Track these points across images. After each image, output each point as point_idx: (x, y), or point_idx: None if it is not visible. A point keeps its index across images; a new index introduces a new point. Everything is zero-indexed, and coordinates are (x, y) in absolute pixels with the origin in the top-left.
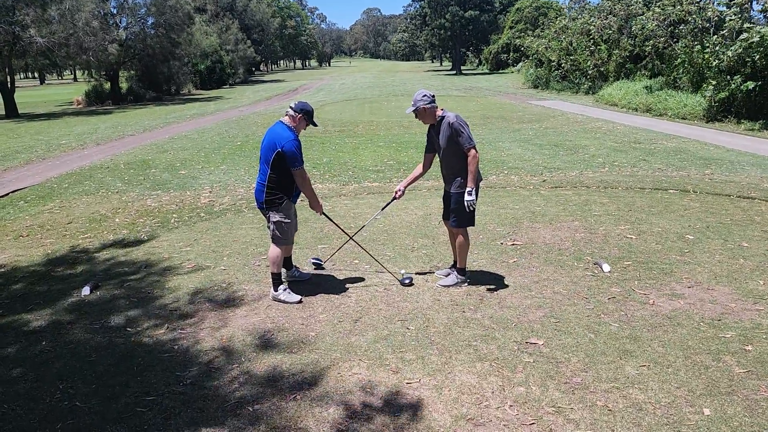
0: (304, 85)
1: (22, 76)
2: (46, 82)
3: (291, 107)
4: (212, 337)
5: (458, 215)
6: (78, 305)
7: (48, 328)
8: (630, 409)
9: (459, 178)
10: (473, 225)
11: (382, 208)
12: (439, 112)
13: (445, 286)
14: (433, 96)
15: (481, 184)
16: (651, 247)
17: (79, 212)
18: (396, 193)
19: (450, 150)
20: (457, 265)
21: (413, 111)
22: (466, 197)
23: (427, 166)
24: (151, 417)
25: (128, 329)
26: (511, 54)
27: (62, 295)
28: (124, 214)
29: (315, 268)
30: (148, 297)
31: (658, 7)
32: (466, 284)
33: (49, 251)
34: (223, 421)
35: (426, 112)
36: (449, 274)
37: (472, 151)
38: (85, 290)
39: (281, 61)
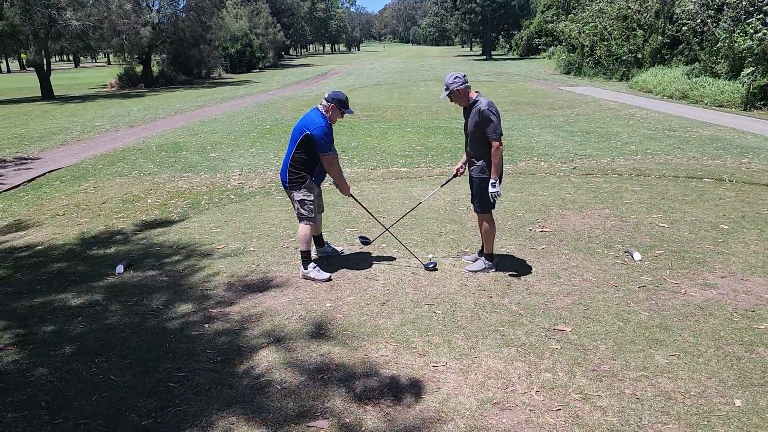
0: (333, 70)
1: (57, 59)
2: (81, 65)
3: (325, 96)
4: (241, 316)
5: (480, 200)
6: (112, 283)
7: (83, 305)
8: (659, 397)
9: (482, 162)
10: (493, 208)
11: (442, 185)
12: (473, 94)
13: (471, 271)
14: (465, 76)
15: (505, 170)
16: (684, 237)
17: (113, 193)
18: (458, 171)
19: (476, 134)
20: (484, 251)
21: (447, 95)
22: (491, 189)
23: None
24: (183, 392)
25: (160, 307)
26: (543, 39)
27: (97, 273)
28: (156, 195)
29: (363, 245)
30: (179, 276)
31: None
32: (493, 270)
33: (84, 230)
34: (251, 398)
35: (460, 94)
36: (476, 260)
37: (496, 143)
38: (119, 269)
39: (310, 46)
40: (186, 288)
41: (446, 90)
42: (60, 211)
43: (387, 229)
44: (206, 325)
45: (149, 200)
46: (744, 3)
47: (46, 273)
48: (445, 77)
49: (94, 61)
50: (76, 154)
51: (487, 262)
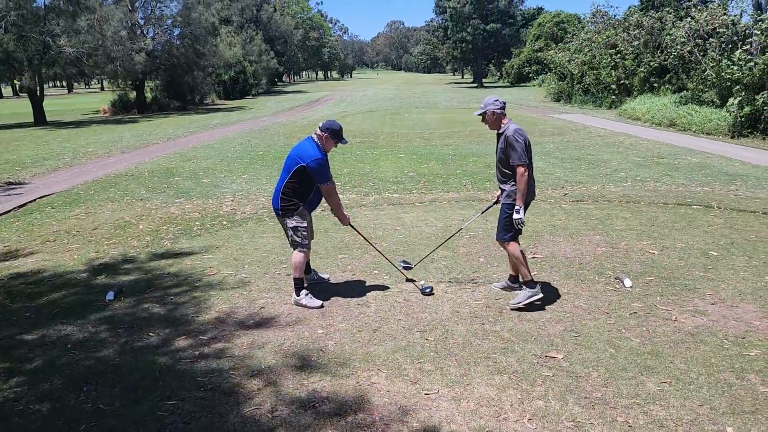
0: (326, 96)
1: (50, 84)
2: (74, 90)
3: (318, 126)
4: (232, 344)
5: (504, 226)
6: (102, 310)
7: (72, 331)
8: (651, 425)
9: (508, 187)
10: (516, 238)
11: (482, 212)
12: (504, 121)
13: (516, 303)
14: (504, 104)
15: (497, 197)
16: (674, 263)
17: (104, 218)
18: (498, 197)
19: (503, 160)
20: (520, 279)
21: (481, 114)
22: (515, 215)
23: None
24: (172, 420)
25: (150, 334)
26: (533, 67)
27: (87, 300)
28: (147, 221)
29: (405, 270)
30: (170, 303)
31: (690, 18)
32: (540, 295)
33: (76, 256)
34: (242, 427)
35: (494, 117)
36: (511, 288)
37: (521, 169)
38: (109, 295)
39: (303, 72)
40: (177, 315)
41: (483, 108)
42: (51, 237)
43: (427, 255)
44: (197, 353)
45: (141, 226)
46: (730, 32)
47: (36, 300)
48: (485, 98)
49: (87, 87)
50: (68, 179)
51: (530, 289)
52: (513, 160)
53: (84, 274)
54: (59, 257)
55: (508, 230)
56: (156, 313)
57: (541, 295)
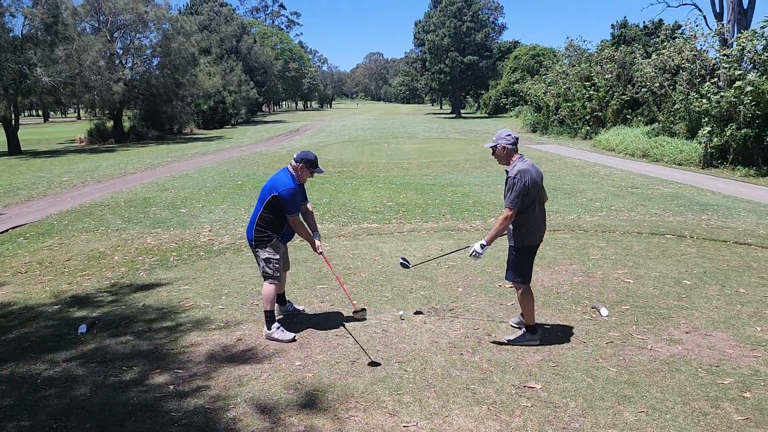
0: (306, 126)
1: (26, 113)
2: (50, 119)
3: (294, 157)
4: (208, 377)
5: (512, 268)
6: (74, 344)
7: (42, 366)
8: None
9: (513, 228)
10: (525, 282)
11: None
12: (514, 158)
13: (509, 340)
14: (517, 139)
15: (474, 226)
16: (648, 292)
17: (78, 249)
18: None
19: (504, 194)
20: (526, 323)
21: (492, 147)
22: (476, 247)
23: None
24: None
25: (123, 368)
26: (510, 99)
27: (58, 334)
28: (123, 252)
29: (403, 267)
30: (144, 337)
31: (657, 54)
32: (536, 343)
33: (47, 288)
34: None
35: (504, 152)
36: (519, 327)
37: (506, 211)
38: (82, 328)
39: (283, 102)
40: (152, 348)
41: (494, 141)
42: (22, 269)
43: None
44: (171, 386)
45: (116, 257)
46: (697, 66)
47: (5, 335)
48: (498, 131)
49: (64, 116)
50: (42, 209)
51: (528, 334)
52: (505, 201)
53: (56, 307)
54: (30, 289)
55: (517, 273)
56: (130, 347)
57: (538, 343)
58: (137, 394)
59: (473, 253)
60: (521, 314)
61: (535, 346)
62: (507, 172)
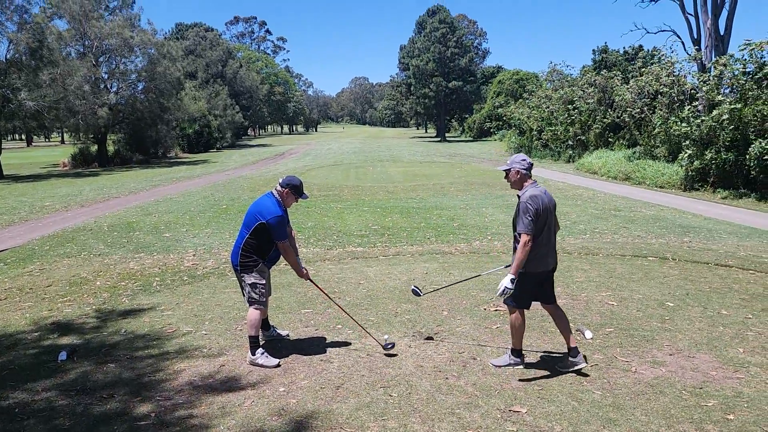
0: (291, 150)
1: (8, 138)
2: (33, 144)
3: (279, 182)
4: (190, 404)
5: (512, 294)
6: (54, 372)
7: (21, 395)
8: None
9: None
10: (526, 307)
11: (506, 266)
12: (527, 183)
13: (495, 365)
14: (531, 165)
15: (459, 249)
16: (632, 314)
17: (59, 275)
18: None
19: (515, 225)
20: (512, 346)
21: (506, 170)
22: (505, 282)
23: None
24: None
25: (104, 396)
26: (494, 123)
27: (38, 362)
28: (105, 277)
29: (414, 295)
30: (126, 364)
31: (635, 80)
32: (520, 366)
33: (27, 315)
34: None
35: (517, 176)
36: (572, 363)
37: (524, 237)
38: (62, 356)
39: (269, 126)
40: (132, 375)
41: (508, 165)
42: (2, 295)
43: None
44: (153, 415)
45: (98, 282)
46: (675, 92)
47: None
48: (513, 155)
49: (47, 140)
50: (23, 234)
51: (513, 357)
52: (518, 227)
53: (35, 334)
54: (10, 316)
55: (513, 296)
56: (111, 375)
57: (521, 367)
58: (119, 425)
59: (504, 290)
60: (568, 351)
61: (518, 368)
62: (519, 197)
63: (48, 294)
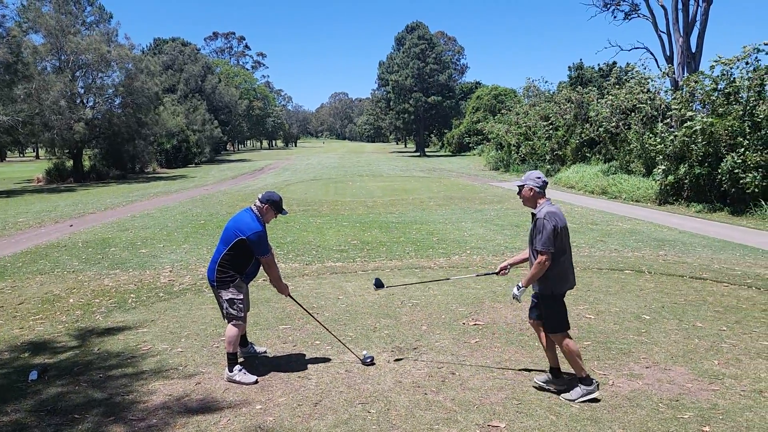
0: (270, 165)
1: None
2: (7, 159)
3: (258, 197)
4: (165, 423)
5: (548, 319)
6: (24, 392)
7: None
8: None
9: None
10: (567, 328)
11: (477, 275)
12: (541, 201)
13: (569, 400)
14: (546, 183)
15: (438, 264)
16: (609, 327)
17: (31, 292)
18: (501, 271)
19: (531, 241)
20: (577, 375)
21: (519, 186)
22: (514, 290)
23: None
24: None
25: (76, 416)
26: (473, 138)
27: (7, 382)
28: (79, 295)
29: (376, 287)
30: (99, 383)
31: (611, 95)
32: (596, 393)
33: None
34: None
35: (531, 194)
36: (554, 384)
37: (542, 257)
38: (32, 375)
39: (248, 141)
40: (105, 395)
41: (523, 181)
42: None
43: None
44: None
45: (71, 300)
46: (649, 107)
47: None
48: (528, 172)
49: (21, 155)
50: None
51: (585, 387)
52: (537, 244)
53: (6, 354)
54: None
55: (554, 322)
56: (83, 395)
57: (596, 394)
58: None
59: (514, 295)
60: (550, 369)
61: (594, 394)
62: (534, 215)
63: (19, 312)
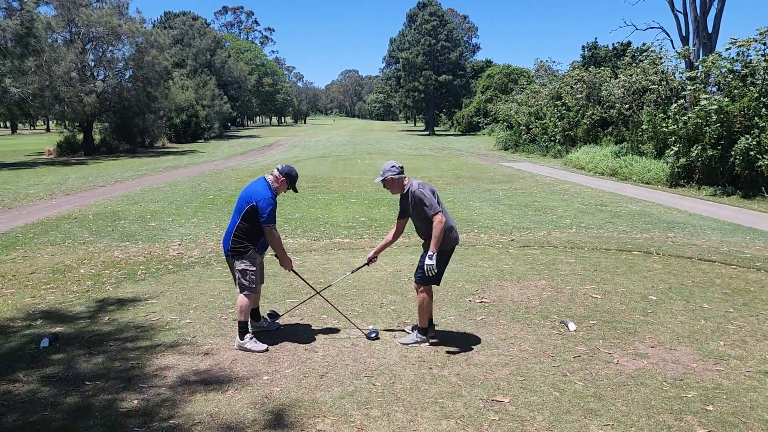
0: (279, 142)
1: None
2: (18, 131)
3: (277, 168)
4: (174, 392)
5: (420, 271)
6: (35, 359)
7: (2, 381)
8: None
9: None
10: (437, 283)
11: (352, 271)
12: (405, 182)
13: (402, 343)
14: (402, 167)
15: (457, 246)
16: (615, 307)
17: (42, 262)
18: (369, 261)
19: (418, 216)
20: (419, 325)
21: (381, 181)
22: (426, 261)
23: (399, 232)
24: None
25: (86, 383)
26: (483, 117)
27: (19, 348)
28: (89, 265)
29: (271, 319)
30: (109, 352)
31: (624, 75)
32: (426, 344)
33: (9, 302)
34: None
35: (394, 183)
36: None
37: (437, 217)
38: (44, 342)
39: (257, 117)
40: (114, 363)
41: (382, 175)
42: None
43: (318, 293)
44: (135, 401)
45: (82, 270)
46: (662, 88)
47: None
48: (383, 165)
49: (33, 128)
50: (6, 222)
51: (420, 335)
52: (428, 212)
53: (18, 321)
54: None
55: (424, 275)
56: (93, 363)
57: (428, 344)
58: (100, 409)
59: (429, 267)
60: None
61: (425, 345)
62: (406, 194)
63: (31, 281)
